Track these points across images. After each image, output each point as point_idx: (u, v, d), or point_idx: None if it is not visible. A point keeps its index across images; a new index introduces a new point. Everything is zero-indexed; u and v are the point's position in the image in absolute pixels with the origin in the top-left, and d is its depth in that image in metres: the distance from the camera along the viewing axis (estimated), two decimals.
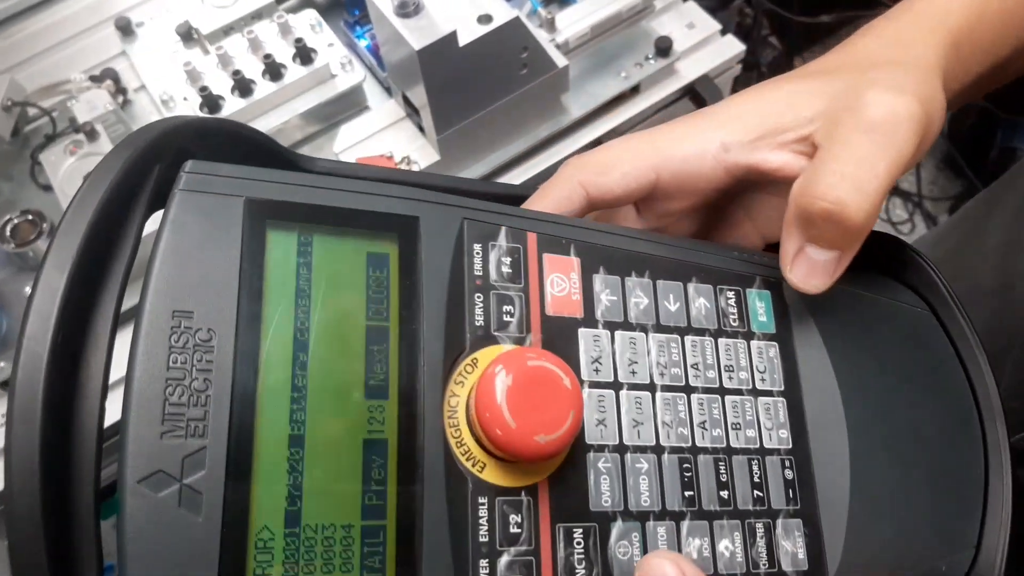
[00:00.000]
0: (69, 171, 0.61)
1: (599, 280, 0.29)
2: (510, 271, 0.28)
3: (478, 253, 0.27)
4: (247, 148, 0.29)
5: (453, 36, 0.54)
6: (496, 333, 0.27)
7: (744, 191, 0.35)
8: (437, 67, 0.55)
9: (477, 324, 0.26)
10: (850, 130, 0.29)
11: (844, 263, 0.30)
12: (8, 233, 0.59)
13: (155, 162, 0.25)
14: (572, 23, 0.67)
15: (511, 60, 0.59)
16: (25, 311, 0.22)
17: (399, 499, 0.24)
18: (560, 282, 0.28)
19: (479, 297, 0.27)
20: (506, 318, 0.27)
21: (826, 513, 0.29)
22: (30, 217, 0.60)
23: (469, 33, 0.55)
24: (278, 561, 0.22)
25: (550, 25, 0.66)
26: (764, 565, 0.27)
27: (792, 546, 0.28)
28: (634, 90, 0.68)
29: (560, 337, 0.27)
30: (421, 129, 0.64)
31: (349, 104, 0.66)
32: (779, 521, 0.28)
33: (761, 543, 0.28)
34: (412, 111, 0.64)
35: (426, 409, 0.25)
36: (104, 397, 0.22)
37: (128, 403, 0.22)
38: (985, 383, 0.33)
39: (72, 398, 0.22)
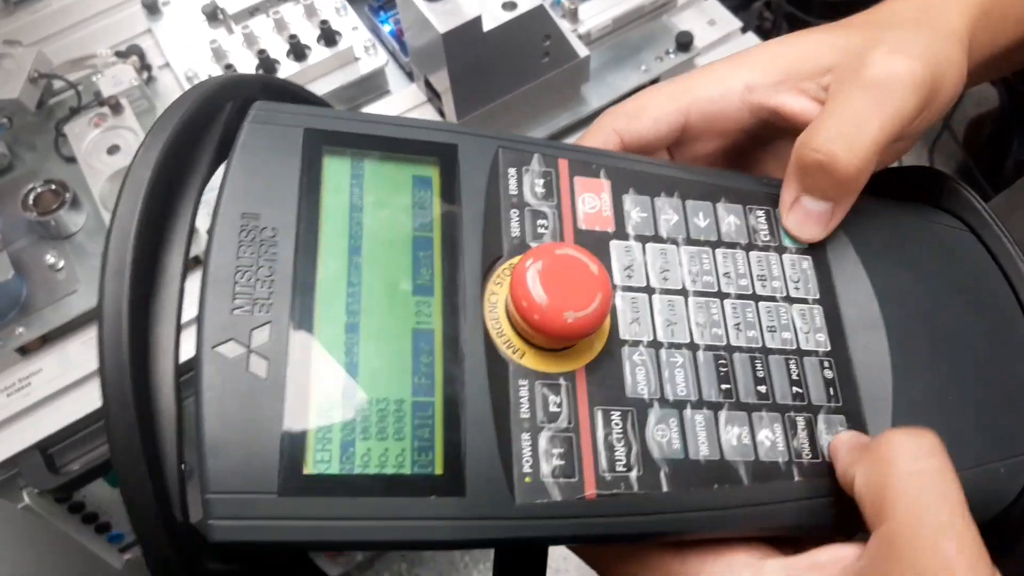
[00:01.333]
0: (93, 143, 0.62)
1: (629, 199, 0.31)
2: (543, 191, 0.30)
3: (512, 176, 0.30)
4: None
5: (478, 21, 0.55)
6: (531, 243, 0.29)
7: (770, 138, 0.36)
8: (461, 51, 0.56)
9: (514, 235, 0.29)
10: (851, 86, 0.30)
11: (838, 215, 0.31)
12: (31, 201, 0.60)
13: (227, 100, 0.29)
14: (595, 14, 0.67)
15: (533, 48, 0.60)
16: (117, 200, 0.25)
17: (445, 378, 0.26)
18: (591, 200, 0.30)
19: (515, 212, 0.29)
20: (540, 230, 0.29)
21: (870, 411, 0.29)
22: (53, 187, 0.60)
23: (494, 19, 0.56)
24: (336, 425, 0.24)
25: (573, 15, 0.66)
26: (807, 455, 0.28)
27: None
28: (653, 83, 0.68)
29: (592, 248, 0.28)
30: (441, 114, 0.65)
31: (371, 87, 0.67)
32: (821, 416, 0.29)
33: (803, 435, 0.28)
34: (433, 96, 0.65)
35: (468, 302, 0.27)
36: (182, 291, 0.26)
37: (205, 285, 0.25)
38: None
39: (151, 301, 0.25)
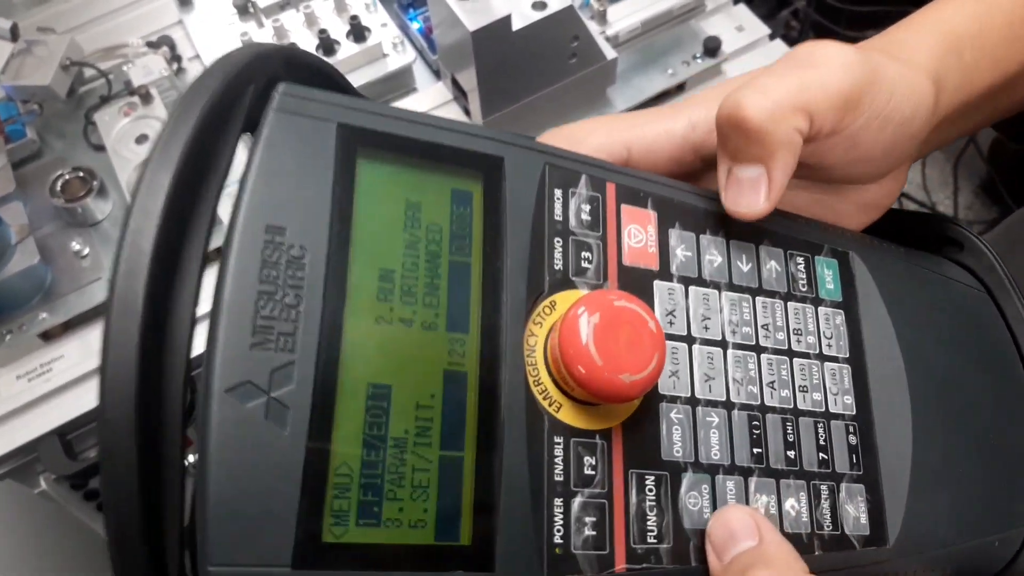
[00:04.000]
0: (122, 132, 0.62)
1: (675, 235, 0.29)
2: (589, 219, 0.28)
3: (559, 198, 0.27)
4: (332, 88, 0.28)
5: (507, 20, 0.55)
6: (574, 278, 0.27)
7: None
8: (489, 50, 0.56)
9: (556, 268, 0.26)
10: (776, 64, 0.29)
11: (775, 183, 0.29)
12: (59, 188, 0.60)
13: (249, 82, 0.25)
14: (623, 17, 0.67)
15: (561, 48, 0.60)
16: (128, 209, 0.21)
17: (479, 432, 0.23)
18: (637, 233, 0.28)
19: (558, 241, 0.27)
20: (584, 264, 0.27)
21: (888, 480, 0.29)
22: (81, 174, 0.61)
23: (523, 18, 0.56)
24: (356, 483, 0.22)
25: (601, 17, 0.66)
26: (828, 527, 0.27)
27: (855, 510, 0.28)
28: (679, 88, 0.68)
29: (635, 288, 0.27)
30: (467, 112, 0.65)
31: (398, 84, 0.67)
32: (843, 485, 0.28)
33: (825, 505, 0.27)
34: (459, 94, 0.65)
35: (507, 345, 0.24)
36: (196, 304, 0.22)
37: (218, 311, 0.21)
38: None
39: (168, 300, 0.21)
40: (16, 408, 0.56)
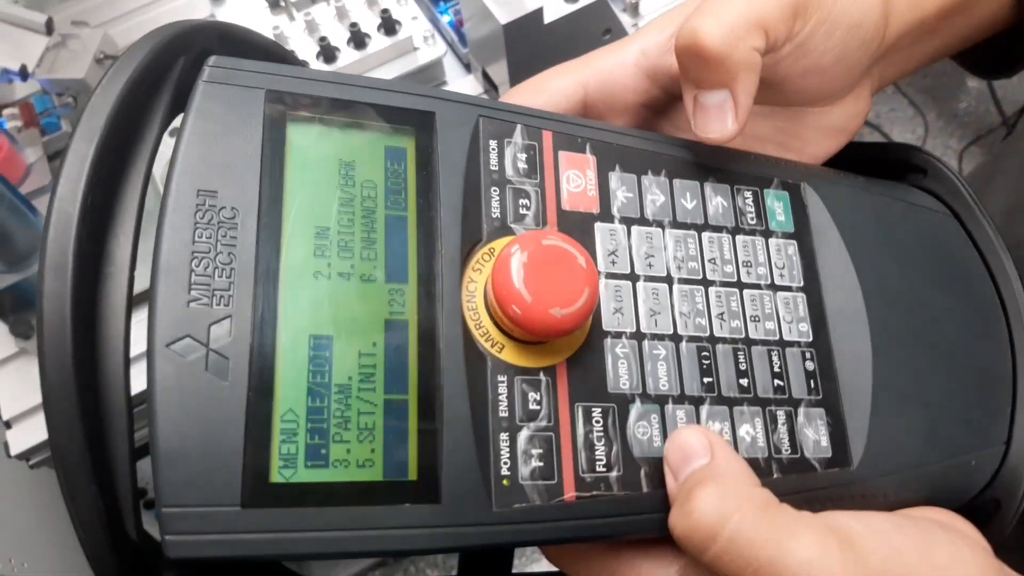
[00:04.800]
0: None
1: (615, 177, 0.29)
2: (526, 167, 0.28)
3: (494, 149, 0.28)
4: (267, 60, 0.30)
5: (539, 13, 0.54)
6: (512, 225, 0.27)
7: (678, 111, 0.34)
8: (521, 43, 0.56)
9: (494, 216, 0.27)
10: None
11: (741, 105, 0.29)
12: None
13: (180, 53, 0.26)
14: (656, 9, 0.66)
15: (593, 41, 0.59)
16: (54, 179, 0.23)
17: (420, 374, 0.24)
18: (576, 178, 0.29)
19: (495, 191, 0.27)
20: (522, 211, 0.27)
21: (849, 403, 0.29)
22: None
23: (555, 11, 0.55)
24: (303, 428, 0.23)
25: (634, 10, 0.66)
26: (786, 450, 0.27)
27: (814, 434, 0.28)
28: None
29: (576, 231, 0.28)
30: None
31: (428, 78, 0.67)
32: (800, 409, 0.28)
33: (783, 429, 0.28)
34: (490, 87, 0.65)
35: (444, 292, 0.25)
36: (133, 268, 0.24)
37: (156, 272, 0.22)
38: (1011, 283, 0.33)
39: (100, 268, 0.23)
40: None
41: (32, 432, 0.56)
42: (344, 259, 0.25)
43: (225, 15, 0.71)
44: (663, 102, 0.33)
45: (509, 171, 0.28)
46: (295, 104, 0.26)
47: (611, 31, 0.59)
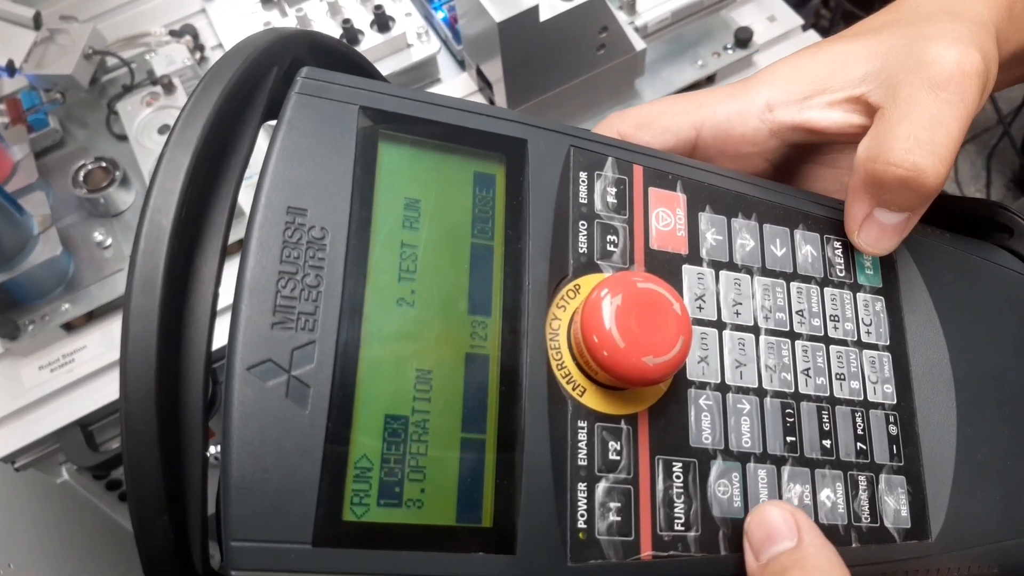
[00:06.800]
0: (144, 122, 0.62)
1: (705, 218, 0.28)
2: (615, 201, 0.27)
3: (583, 181, 0.27)
4: (358, 74, 0.28)
5: (535, 10, 0.54)
6: (599, 261, 0.26)
7: (792, 164, 0.34)
8: (516, 41, 0.55)
9: (580, 251, 0.26)
10: (916, 89, 0.27)
11: (913, 222, 0.29)
12: (81, 178, 0.60)
13: (271, 65, 0.25)
14: (653, 7, 0.66)
15: (589, 39, 0.59)
16: (148, 188, 0.22)
17: (500, 415, 0.23)
18: (665, 217, 0.28)
19: (583, 224, 0.26)
20: (610, 247, 0.26)
21: (930, 473, 0.28)
22: (103, 164, 0.60)
23: (551, 8, 0.55)
24: (377, 463, 0.22)
25: (631, 7, 0.65)
26: (866, 519, 0.26)
27: (895, 503, 0.27)
28: (709, 79, 0.66)
29: (663, 272, 0.27)
30: (492, 104, 0.64)
31: (422, 75, 0.66)
32: (882, 476, 0.27)
33: (864, 496, 0.27)
34: (485, 85, 0.64)
35: (529, 329, 0.24)
36: (217, 284, 0.22)
37: (240, 292, 0.22)
38: None
39: (187, 285, 0.22)
40: (38, 399, 0.56)
41: (18, 435, 0.55)
42: (428, 287, 0.24)
43: (216, 10, 0.70)
44: (780, 156, 0.32)
45: (598, 205, 0.27)
46: (387, 123, 0.25)
47: (607, 28, 0.58)
